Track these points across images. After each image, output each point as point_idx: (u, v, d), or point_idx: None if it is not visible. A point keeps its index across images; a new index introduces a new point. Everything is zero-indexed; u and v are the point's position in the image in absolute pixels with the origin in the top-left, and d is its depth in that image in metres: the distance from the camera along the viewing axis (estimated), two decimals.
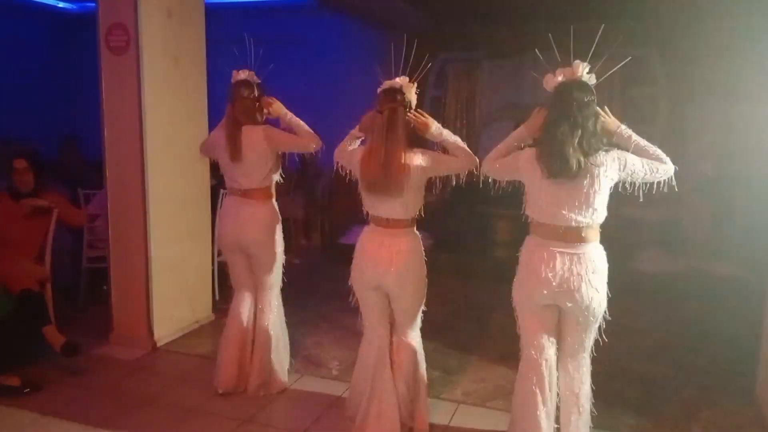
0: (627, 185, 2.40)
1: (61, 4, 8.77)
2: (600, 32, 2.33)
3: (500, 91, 7.71)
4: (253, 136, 3.16)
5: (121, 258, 3.99)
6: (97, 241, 4.79)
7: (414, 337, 2.89)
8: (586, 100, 2.28)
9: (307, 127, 3.18)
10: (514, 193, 6.12)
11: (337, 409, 3.20)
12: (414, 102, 2.73)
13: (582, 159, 2.25)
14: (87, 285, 4.81)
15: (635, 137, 2.37)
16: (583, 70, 2.33)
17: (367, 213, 2.79)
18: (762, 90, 6.64)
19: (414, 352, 2.88)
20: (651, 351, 4.08)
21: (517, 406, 2.57)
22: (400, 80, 2.70)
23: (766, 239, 5.58)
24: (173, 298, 4.14)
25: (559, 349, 2.54)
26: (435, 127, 2.71)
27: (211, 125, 4.31)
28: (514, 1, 6.28)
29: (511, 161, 2.50)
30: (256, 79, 3.24)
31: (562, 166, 2.26)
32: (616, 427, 3.04)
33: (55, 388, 3.42)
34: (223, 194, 4.93)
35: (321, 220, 7.33)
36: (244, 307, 3.35)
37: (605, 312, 2.47)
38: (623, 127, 2.39)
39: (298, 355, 3.79)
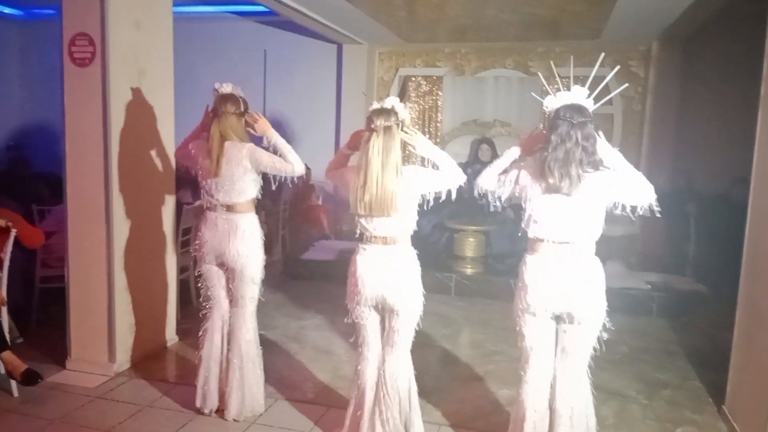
0: (617, 205, 2.46)
1: (6, 10, 8.36)
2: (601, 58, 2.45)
3: (462, 106, 7.79)
4: (235, 153, 3.07)
5: (81, 278, 3.78)
6: (52, 259, 4.55)
7: (408, 356, 2.86)
8: (584, 121, 2.38)
9: (292, 150, 3.10)
10: (478, 210, 6.14)
11: None
12: (408, 120, 2.72)
13: (582, 177, 2.36)
14: (40, 306, 4.55)
15: (626, 162, 2.44)
16: (582, 95, 2.44)
17: (361, 231, 2.75)
18: (712, 107, 6.94)
19: (409, 370, 2.86)
20: (618, 366, 4.13)
21: (518, 422, 2.59)
22: (391, 100, 2.68)
23: (721, 253, 5.80)
24: (136, 319, 3.95)
25: (559, 364, 2.58)
26: (428, 144, 2.74)
27: (177, 138, 4.18)
28: (476, 20, 6.35)
29: (512, 177, 2.56)
30: (240, 93, 3.15)
31: (563, 183, 2.36)
32: None
33: (6, 418, 3.19)
34: (185, 211, 4.79)
35: (282, 235, 7.19)
36: (221, 323, 3.25)
37: (605, 323, 2.52)
38: (616, 151, 2.46)
39: (270, 378, 3.65)
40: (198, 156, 3.15)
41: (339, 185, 2.89)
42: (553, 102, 2.45)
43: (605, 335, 2.56)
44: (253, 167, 3.11)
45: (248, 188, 3.15)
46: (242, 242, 3.14)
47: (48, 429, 3.11)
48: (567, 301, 2.44)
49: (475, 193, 2.69)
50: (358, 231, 2.76)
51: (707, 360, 4.25)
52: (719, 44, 6.81)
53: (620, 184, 2.41)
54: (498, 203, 2.63)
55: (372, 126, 2.64)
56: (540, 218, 2.45)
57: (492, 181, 2.63)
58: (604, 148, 2.45)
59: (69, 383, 3.64)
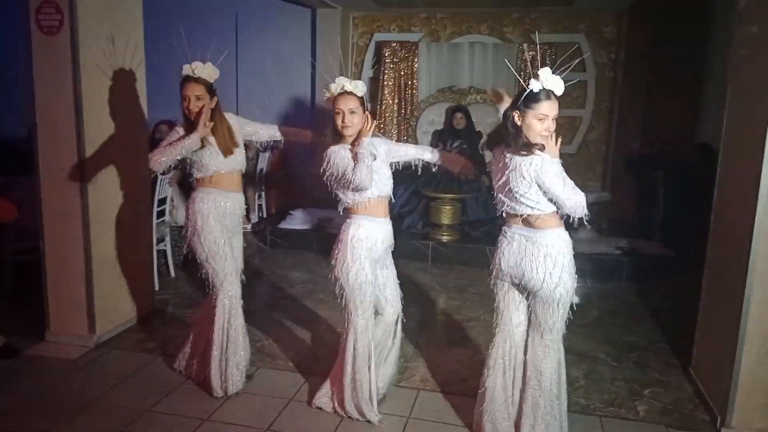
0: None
1: None
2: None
3: (438, 73, 7.75)
4: (235, 125, 3.22)
5: (57, 250, 3.74)
6: (24, 232, 4.47)
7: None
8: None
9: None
10: (453, 178, 6.20)
11: (299, 402, 3.17)
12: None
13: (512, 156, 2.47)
14: (12, 280, 4.50)
15: (556, 183, 2.42)
16: (560, 86, 2.52)
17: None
18: (681, 75, 7.03)
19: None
20: (588, 330, 4.26)
21: (488, 379, 2.72)
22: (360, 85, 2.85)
23: (686, 218, 5.96)
24: (114, 290, 3.94)
25: (530, 331, 2.71)
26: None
27: (150, 103, 4.10)
28: None
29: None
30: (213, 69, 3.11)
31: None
32: (568, 406, 3.15)
33: None
34: (161, 180, 4.74)
35: (259, 204, 7.15)
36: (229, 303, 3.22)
37: (573, 299, 2.62)
38: (553, 169, 2.43)
39: (251, 347, 3.68)
40: None
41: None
42: (536, 84, 2.47)
43: (576, 299, 2.65)
44: (241, 137, 3.22)
45: (242, 158, 3.26)
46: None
47: (30, 402, 3.11)
48: (522, 274, 2.56)
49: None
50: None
51: (673, 323, 4.41)
52: (690, 12, 6.87)
53: (547, 182, 2.41)
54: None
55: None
56: (498, 193, 2.61)
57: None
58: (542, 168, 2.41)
59: (49, 355, 3.64)
